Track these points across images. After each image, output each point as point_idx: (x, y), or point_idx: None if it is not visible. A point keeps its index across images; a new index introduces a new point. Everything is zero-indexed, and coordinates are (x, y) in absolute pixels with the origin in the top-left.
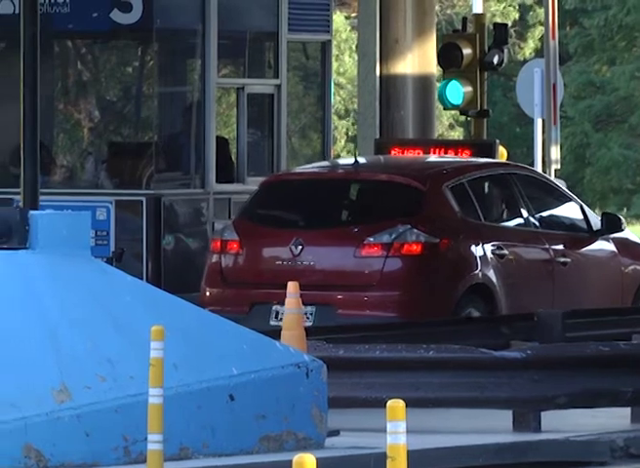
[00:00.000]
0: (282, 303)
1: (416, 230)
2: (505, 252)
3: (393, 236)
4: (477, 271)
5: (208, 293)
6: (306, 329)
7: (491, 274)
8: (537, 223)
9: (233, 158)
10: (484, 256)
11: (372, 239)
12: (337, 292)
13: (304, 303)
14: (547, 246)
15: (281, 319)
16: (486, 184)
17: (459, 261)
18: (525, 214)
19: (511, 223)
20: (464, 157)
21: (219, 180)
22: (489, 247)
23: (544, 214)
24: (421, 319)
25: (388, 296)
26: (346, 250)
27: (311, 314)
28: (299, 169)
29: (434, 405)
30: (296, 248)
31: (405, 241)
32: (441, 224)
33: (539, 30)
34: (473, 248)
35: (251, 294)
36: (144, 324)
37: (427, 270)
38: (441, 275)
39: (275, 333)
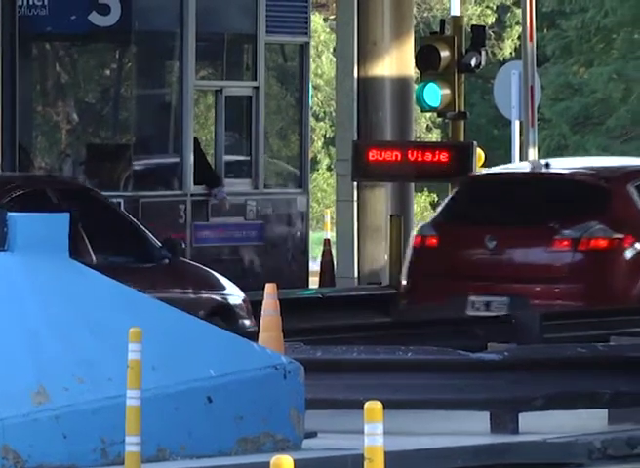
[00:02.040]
0: (478, 294)
1: (602, 226)
2: None
3: (581, 232)
4: None
5: (408, 285)
6: (284, 330)
7: None
8: None
9: (209, 159)
10: None
11: (561, 234)
12: (529, 285)
13: (498, 294)
14: None
15: (477, 308)
16: None
17: None
18: None
19: None
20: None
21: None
22: None
23: None
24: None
25: (577, 288)
26: (538, 244)
27: (505, 304)
28: (491, 170)
29: (412, 406)
30: (490, 243)
31: (592, 236)
32: (626, 221)
33: (515, 30)
34: None
35: (448, 286)
36: (122, 326)
37: (613, 264)
38: (626, 268)
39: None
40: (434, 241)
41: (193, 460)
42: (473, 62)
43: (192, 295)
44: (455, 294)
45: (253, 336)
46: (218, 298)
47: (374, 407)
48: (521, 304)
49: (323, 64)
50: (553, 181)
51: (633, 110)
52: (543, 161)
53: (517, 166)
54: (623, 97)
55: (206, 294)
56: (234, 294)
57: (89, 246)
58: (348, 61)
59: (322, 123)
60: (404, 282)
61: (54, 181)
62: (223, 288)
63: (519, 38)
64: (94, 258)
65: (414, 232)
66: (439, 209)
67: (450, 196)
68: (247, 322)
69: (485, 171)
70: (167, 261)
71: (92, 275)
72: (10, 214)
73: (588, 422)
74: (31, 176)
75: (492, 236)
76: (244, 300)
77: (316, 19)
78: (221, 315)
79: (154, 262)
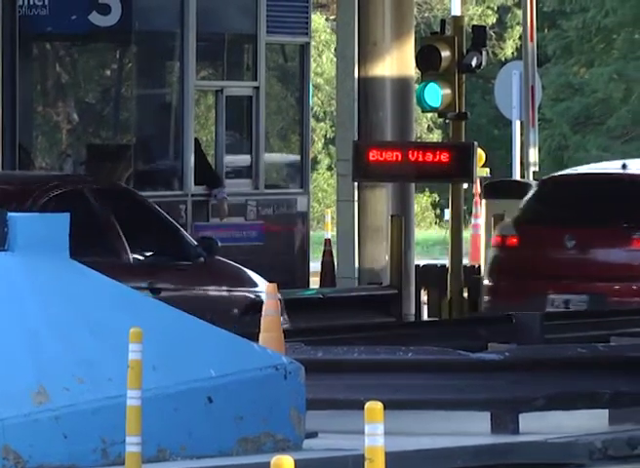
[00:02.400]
0: (557, 293)
1: None
2: None
3: None
4: None
5: (489, 284)
6: (284, 330)
7: None
8: None
9: (209, 159)
10: None
11: (639, 234)
12: (607, 283)
13: (578, 292)
14: None
15: (557, 306)
16: None
17: None
18: None
19: None
20: None
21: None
22: None
23: None
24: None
25: None
26: (616, 244)
27: (584, 302)
28: (569, 171)
29: (412, 407)
30: (569, 242)
31: None
32: None
33: (516, 30)
34: None
35: (528, 285)
36: (123, 326)
37: None
38: None
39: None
40: (514, 241)
41: (193, 460)
42: (474, 63)
43: (227, 293)
44: (534, 293)
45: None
46: (251, 296)
47: (374, 407)
48: (599, 302)
49: (324, 64)
50: (631, 182)
51: (634, 110)
52: (621, 162)
53: (595, 167)
54: (624, 97)
55: (240, 292)
56: None
57: (126, 245)
58: (349, 62)
59: (322, 123)
60: (485, 281)
61: (91, 181)
62: (257, 285)
63: (520, 38)
64: (131, 257)
65: (495, 232)
66: (519, 209)
67: (529, 196)
68: (280, 319)
69: (564, 171)
70: (202, 260)
71: (92, 275)
72: (10, 214)
73: (589, 422)
74: (69, 176)
75: (571, 236)
76: (278, 298)
77: (317, 19)
78: (255, 312)
79: (190, 261)
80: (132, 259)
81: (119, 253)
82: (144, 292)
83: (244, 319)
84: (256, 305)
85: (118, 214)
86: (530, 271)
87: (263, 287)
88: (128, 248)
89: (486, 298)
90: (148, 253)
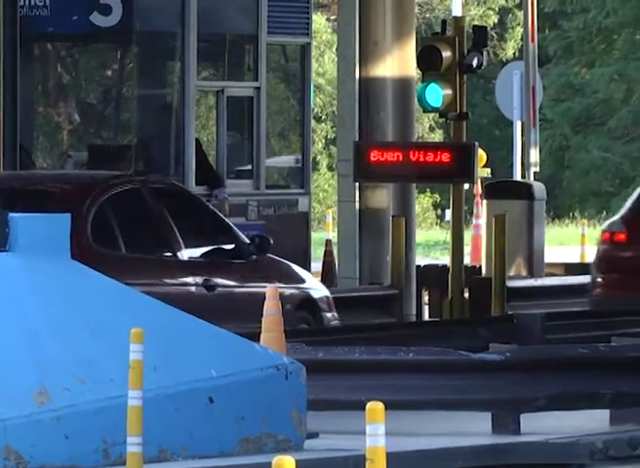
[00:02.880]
0: None
1: None
2: None
3: None
4: None
5: (598, 279)
6: (286, 331)
7: None
8: None
9: (210, 160)
10: None
11: None
12: None
13: None
14: None
15: None
16: None
17: None
18: None
19: None
20: None
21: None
22: None
23: None
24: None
25: None
26: None
27: None
28: None
29: (413, 407)
30: None
31: None
32: None
33: (517, 31)
34: None
35: (636, 279)
36: (124, 326)
37: None
38: None
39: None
40: (623, 236)
41: (195, 461)
42: (475, 63)
43: (280, 290)
44: None
45: (335, 329)
46: (303, 292)
47: (375, 407)
48: None
49: (325, 64)
50: None
51: (634, 111)
52: None
53: None
54: (625, 97)
55: (293, 289)
56: (317, 288)
57: (181, 242)
58: (350, 62)
59: (323, 124)
60: (594, 276)
61: (149, 180)
62: (307, 282)
63: (521, 39)
64: (186, 255)
65: (602, 228)
66: (627, 206)
67: (637, 194)
68: (329, 315)
69: None
70: (255, 257)
71: (92, 275)
72: (11, 214)
73: (590, 423)
74: (126, 175)
75: None
76: (326, 295)
77: (318, 20)
78: (307, 308)
79: (244, 258)
80: (187, 257)
81: (175, 251)
82: (199, 288)
83: (299, 315)
84: (307, 301)
85: (174, 212)
86: (637, 266)
87: (315, 284)
88: (183, 245)
89: (594, 292)
90: (203, 251)
